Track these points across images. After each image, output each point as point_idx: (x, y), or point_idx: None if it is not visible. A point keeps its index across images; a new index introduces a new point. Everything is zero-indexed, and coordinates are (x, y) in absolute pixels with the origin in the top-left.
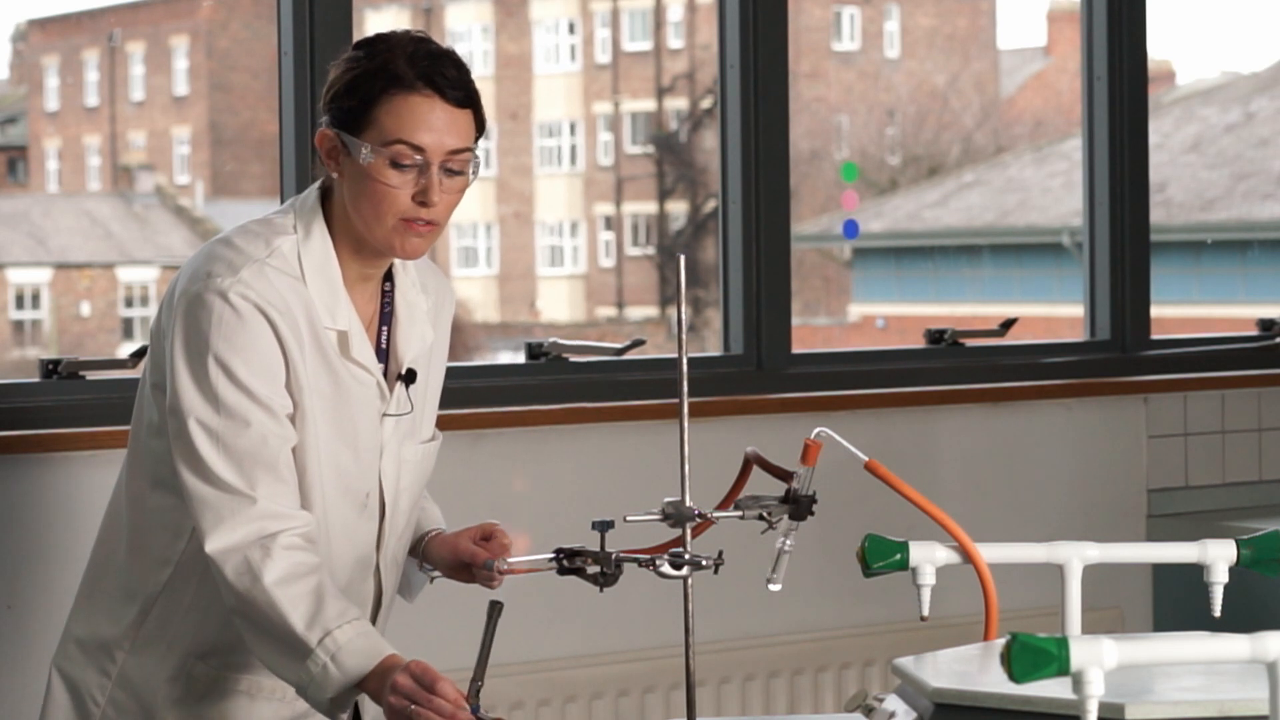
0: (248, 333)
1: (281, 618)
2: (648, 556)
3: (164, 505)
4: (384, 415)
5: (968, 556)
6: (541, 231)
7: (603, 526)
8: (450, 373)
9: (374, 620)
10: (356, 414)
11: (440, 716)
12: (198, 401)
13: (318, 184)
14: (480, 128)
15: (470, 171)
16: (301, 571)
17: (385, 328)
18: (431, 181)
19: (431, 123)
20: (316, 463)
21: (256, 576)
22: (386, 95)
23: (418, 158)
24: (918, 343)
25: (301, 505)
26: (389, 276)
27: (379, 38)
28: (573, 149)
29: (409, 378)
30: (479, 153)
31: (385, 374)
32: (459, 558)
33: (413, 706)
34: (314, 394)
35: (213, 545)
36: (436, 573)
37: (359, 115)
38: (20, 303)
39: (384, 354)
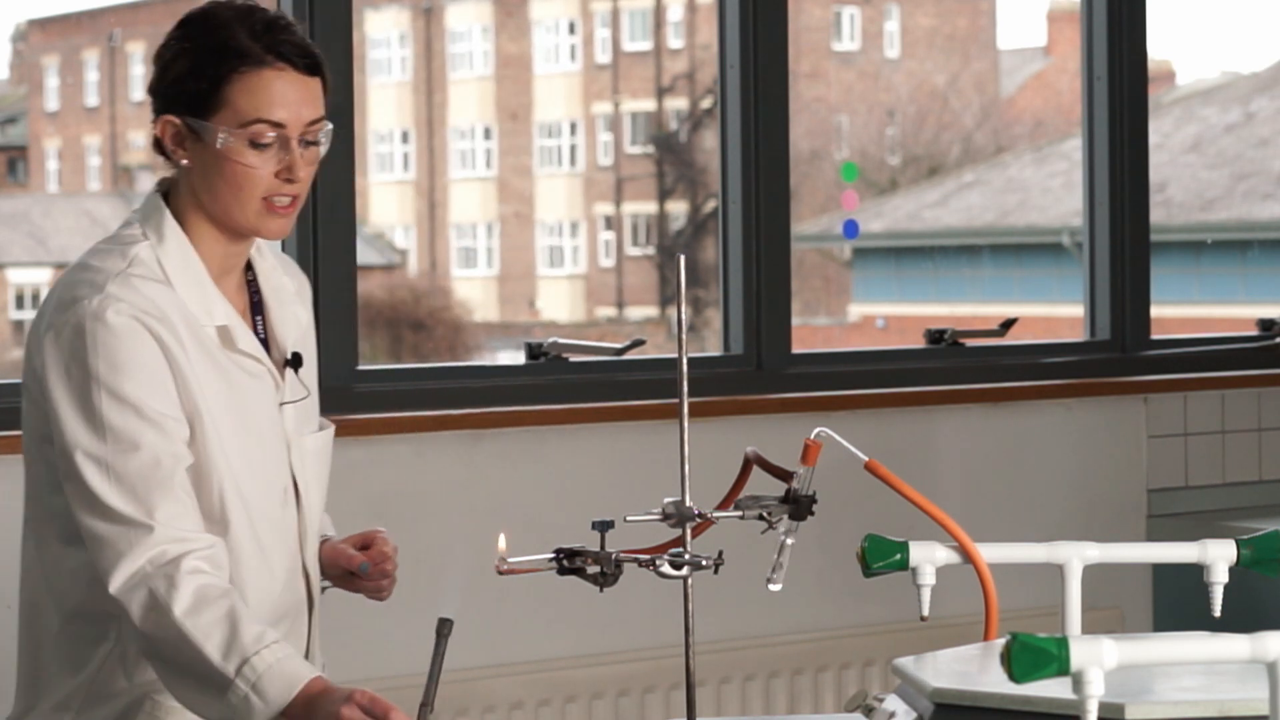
0: (128, 347)
1: (196, 650)
2: (648, 556)
3: (85, 560)
4: (282, 404)
5: (968, 556)
6: (541, 231)
7: (603, 526)
8: (450, 373)
9: (309, 624)
10: (255, 408)
11: None
12: (82, 432)
13: (155, 189)
14: (327, 92)
15: (324, 140)
16: (211, 596)
17: (259, 317)
18: (294, 157)
19: (287, 96)
20: (225, 466)
21: (165, 610)
22: (237, 74)
23: (276, 134)
24: (918, 343)
25: (221, 514)
26: (248, 266)
27: (205, 13)
28: (573, 149)
29: (295, 362)
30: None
31: (285, 362)
32: (342, 565)
33: None
34: (208, 396)
35: (116, 584)
36: (328, 583)
37: (208, 97)
38: (20, 303)
39: (264, 343)
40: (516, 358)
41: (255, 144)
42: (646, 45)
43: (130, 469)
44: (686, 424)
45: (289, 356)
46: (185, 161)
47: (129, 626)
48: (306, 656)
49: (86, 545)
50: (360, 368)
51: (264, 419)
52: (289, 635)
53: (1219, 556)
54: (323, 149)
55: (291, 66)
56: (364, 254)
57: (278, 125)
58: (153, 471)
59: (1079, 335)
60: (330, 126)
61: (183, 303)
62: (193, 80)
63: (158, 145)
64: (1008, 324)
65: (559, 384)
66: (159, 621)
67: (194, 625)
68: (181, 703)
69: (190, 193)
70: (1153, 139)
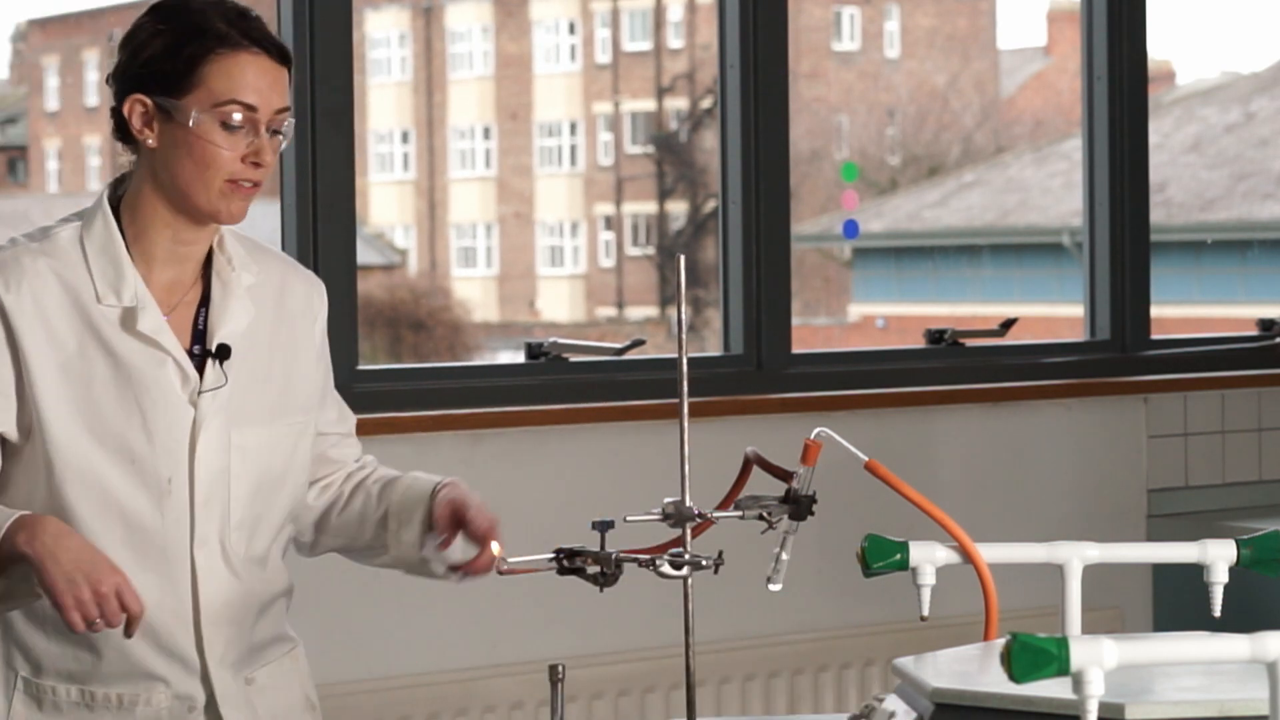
0: None
1: None
2: (648, 556)
3: None
4: (201, 392)
5: (968, 556)
6: (541, 231)
7: (603, 526)
8: (450, 372)
9: (198, 635)
10: (146, 393)
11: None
12: None
13: (104, 190)
14: (291, 86)
15: (287, 133)
16: None
17: (204, 308)
18: (263, 142)
19: (260, 81)
20: (70, 450)
21: None
22: (214, 55)
23: (246, 117)
24: (918, 343)
25: (59, 498)
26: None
27: (178, 2)
28: (573, 149)
29: (221, 353)
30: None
31: (204, 352)
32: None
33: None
34: (50, 376)
35: None
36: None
37: (183, 77)
38: None
39: (201, 334)
40: (516, 358)
41: (226, 125)
42: (646, 45)
43: None
44: (686, 424)
45: (213, 348)
46: (151, 142)
47: None
48: (204, 680)
49: None
50: (360, 368)
51: (158, 406)
52: (169, 657)
53: (1219, 556)
54: (285, 141)
55: (265, 53)
56: (364, 254)
57: (249, 108)
58: None
59: (1079, 335)
60: (293, 120)
61: (89, 282)
62: (168, 60)
63: (120, 128)
64: (1008, 324)
65: (559, 384)
66: None
67: None
68: None
69: (149, 176)
70: (1153, 139)
